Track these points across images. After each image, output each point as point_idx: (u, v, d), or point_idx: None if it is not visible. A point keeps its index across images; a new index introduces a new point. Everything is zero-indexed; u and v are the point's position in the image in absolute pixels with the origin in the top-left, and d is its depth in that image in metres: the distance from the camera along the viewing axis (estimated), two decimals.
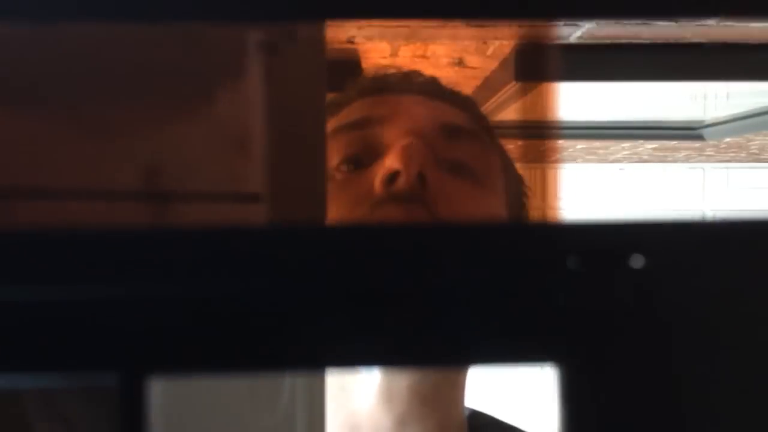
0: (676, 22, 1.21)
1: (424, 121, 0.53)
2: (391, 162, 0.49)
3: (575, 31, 1.27)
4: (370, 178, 0.51)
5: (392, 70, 0.61)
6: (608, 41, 1.35)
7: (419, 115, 0.53)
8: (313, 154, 0.23)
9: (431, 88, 0.59)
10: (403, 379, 0.50)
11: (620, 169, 3.72)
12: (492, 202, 0.54)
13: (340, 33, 1.22)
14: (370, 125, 0.53)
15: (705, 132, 2.46)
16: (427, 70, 1.61)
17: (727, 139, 2.68)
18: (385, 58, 1.45)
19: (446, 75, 1.61)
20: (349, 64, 1.44)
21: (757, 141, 2.83)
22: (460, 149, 0.53)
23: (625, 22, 1.22)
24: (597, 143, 2.90)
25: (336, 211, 0.49)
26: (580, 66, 1.44)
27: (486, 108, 1.71)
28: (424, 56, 1.43)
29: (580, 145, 2.96)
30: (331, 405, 0.50)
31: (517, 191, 0.60)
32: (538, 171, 3.84)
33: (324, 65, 0.22)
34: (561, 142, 2.86)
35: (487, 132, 0.59)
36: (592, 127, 2.50)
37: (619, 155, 3.31)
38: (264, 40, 0.21)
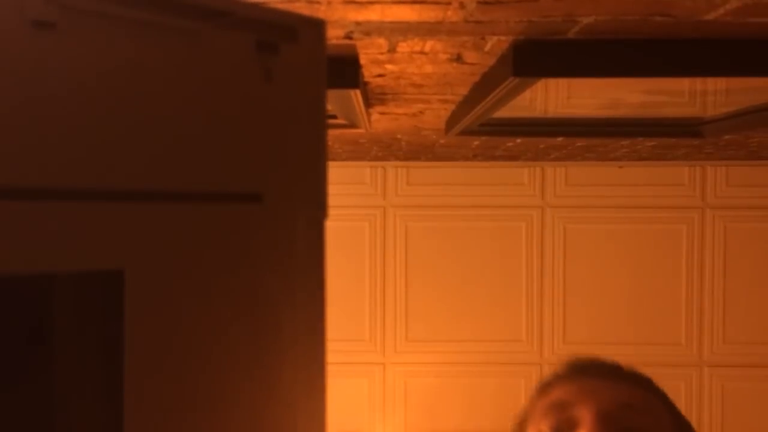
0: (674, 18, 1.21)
1: (609, 401, 0.80)
2: None
3: (573, 27, 1.27)
4: None
5: (583, 359, 0.89)
6: (607, 37, 1.35)
7: (605, 396, 0.80)
8: (313, 153, 0.23)
9: (614, 371, 0.85)
10: None
11: (619, 166, 3.73)
12: None
13: (338, 28, 1.22)
14: (569, 405, 0.81)
15: (704, 129, 2.46)
16: (425, 65, 1.60)
17: (727, 137, 2.68)
18: (383, 53, 1.44)
19: (444, 71, 1.61)
20: (347, 60, 1.43)
21: (757, 138, 2.83)
22: (636, 420, 0.79)
23: (624, 17, 1.22)
24: (596, 140, 2.90)
25: None
26: (579, 62, 1.44)
27: (484, 104, 1.71)
28: (422, 52, 1.43)
29: (579, 142, 2.96)
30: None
31: None
32: (537, 169, 3.84)
33: (324, 65, 0.22)
34: (560, 139, 2.86)
35: (663, 401, 0.84)
36: (591, 124, 2.50)
37: (618, 153, 3.32)
38: (265, 39, 0.21)
